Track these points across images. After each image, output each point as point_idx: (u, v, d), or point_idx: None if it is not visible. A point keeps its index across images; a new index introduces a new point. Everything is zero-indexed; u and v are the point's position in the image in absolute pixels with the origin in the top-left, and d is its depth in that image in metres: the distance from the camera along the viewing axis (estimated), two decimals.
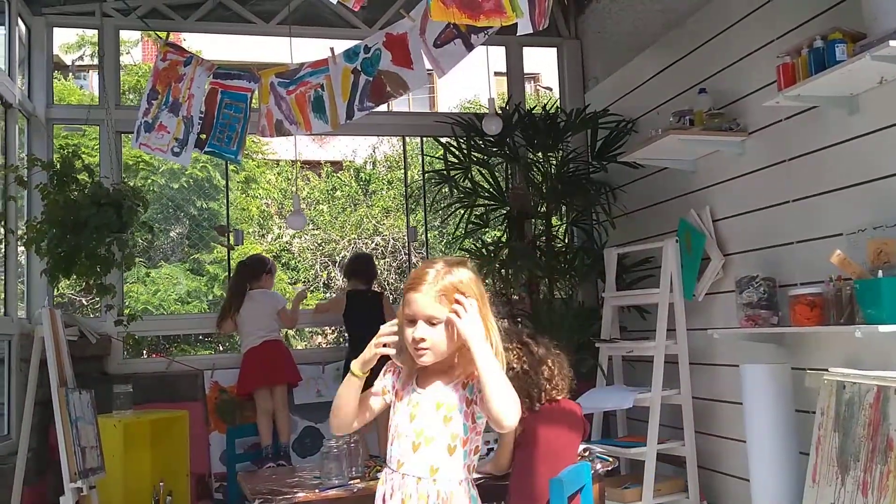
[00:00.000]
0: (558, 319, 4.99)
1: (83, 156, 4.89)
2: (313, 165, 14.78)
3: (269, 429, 4.95)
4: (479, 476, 3.24)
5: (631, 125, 5.25)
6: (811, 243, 3.69)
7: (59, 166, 4.53)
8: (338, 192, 13.72)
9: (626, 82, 5.37)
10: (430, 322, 1.99)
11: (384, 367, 2.18)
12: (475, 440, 2.07)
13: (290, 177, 13.85)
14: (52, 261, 4.41)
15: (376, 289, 5.48)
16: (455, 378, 2.07)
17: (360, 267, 5.41)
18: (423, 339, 1.99)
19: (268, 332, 5.03)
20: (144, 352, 9.06)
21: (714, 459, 4.43)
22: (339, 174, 14.41)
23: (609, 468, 3.48)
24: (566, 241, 5.67)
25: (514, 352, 3.12)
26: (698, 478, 4.35)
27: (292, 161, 13.75)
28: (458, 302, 1.97)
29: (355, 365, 2.10)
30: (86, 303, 9.26)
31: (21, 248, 4.83)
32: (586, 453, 3.43)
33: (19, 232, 4.65)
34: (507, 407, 1.92)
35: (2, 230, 4.68)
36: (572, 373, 3.23)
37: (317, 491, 3.17)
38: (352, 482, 3.27)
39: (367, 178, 13.97)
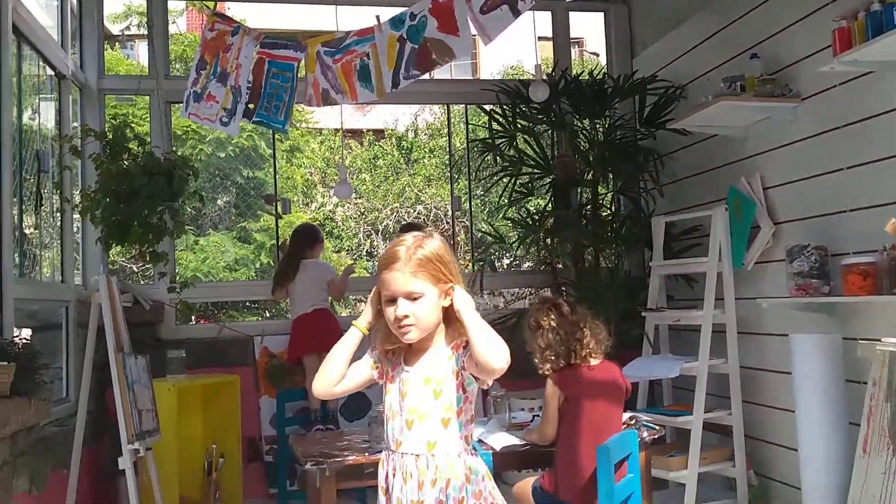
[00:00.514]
0: (604, 288, 4.98)
1: (133, 125, 4.99)
2: (355, 134, 14.83)
3: None
4: (524, 444, 3.29)
5: (680, 91, 5.16)
6: (864, 212, 3.62)
7: (111, 136, 4.62)
8: (380, 161, 13.76)
9: (675, 47, 5.28)
10: (411, 297, 2.02)
11: (370, 347, 2.20)
12: (468, 409, 2.10)
13: (332, 145, 13.92)
14: (107, 229, 4.51)
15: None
16: (440, 351, 2.10)
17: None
18: (406, 316, 2.02)
19: (318, 300, 5.11)
20: (193, 318, 9.25)
21: (761, 429, 4.41)
22: (380, 142, 14.43)
23: (655, 436, 3.48)
24: (613, 209, 5.63)
25: (544, 313, 3.15)
26: (745, 447, 4.34)
27: (335, 130, 13.83)
28: (440, 273, 2.03)
29: (360, 321, 2.15)
30: (136, 270, 9.47)
31: (76, 217, 4.96)
32: (632, 421, 3.44)
33: (75, 200, 4.77)
34: (493, 349, 1.93)
35: (57, 199, 4.80)
36: (611, 340, 3.24)
37: (366, 454, 3.23)
38: None
39: (409, 146, 13.98)
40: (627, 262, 5.64)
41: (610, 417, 3.11)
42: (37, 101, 4.90)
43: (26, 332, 4.44)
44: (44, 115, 4.94)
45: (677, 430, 4.65)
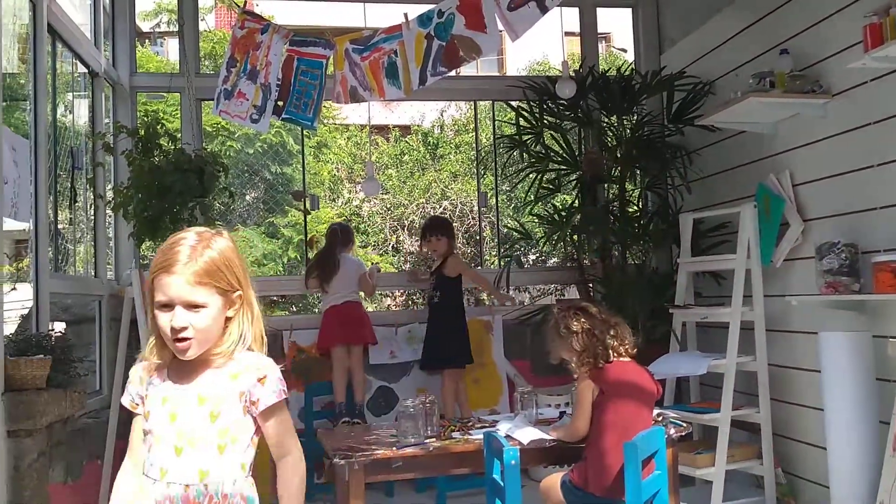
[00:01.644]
0: (631, 285, 4.97)
1: (164, 122, 5.06)
2: (382, 130, 14.88)
3: (343, 386, 5.09)
4: (551, 439, 3.30)
5: (708, 87, 5.14)
6: None
7: (143, 133, 4.69)
8: (406, 157, 13.79)
9: (703, 43, 5.25)
10: (192, 307, 1.76)
11: (128, 381, 1.93)
12: (250, 433, 1.86)
13: (359, 141, 13.98)
14: (139, 224, 4.58)
15: None
16: (220, 364, 1.85)
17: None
18: (184, 328, 1.76)
19: (348, 293, 5.16)
20: None
21: (789, 427, 4.39)
22: (406, 138, 14.47)
23: (682, 433, 3.48)
24: (640, 206, 5.62)
25: (572, 318, 3.18)
26: (773, 445, 4.32)
27: (362, 126, 13.90)
28: (228, 282, 1.80)
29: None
30: None
31: (109, 213, 5.04)
32: (659, 418, 3.45)
33: (107, 196, 4.85)
34: None
35: (91, 195, 4.89)
36: (638, 338, 3.28)
37: (394, 448, 3.26)
38: (427, 441, 3.35)
39: (435, 142, 14.00)
40: (655, 258, 5.62)
41: (639, 415, 3.12)
42: (70, 98, 4.99)
43: (60, 326, 4.53)
44: (77, 113, 5.03)
45: (704, 427, 4.64)
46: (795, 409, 4.34)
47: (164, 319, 1.77)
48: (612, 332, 3.16)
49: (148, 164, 4.61)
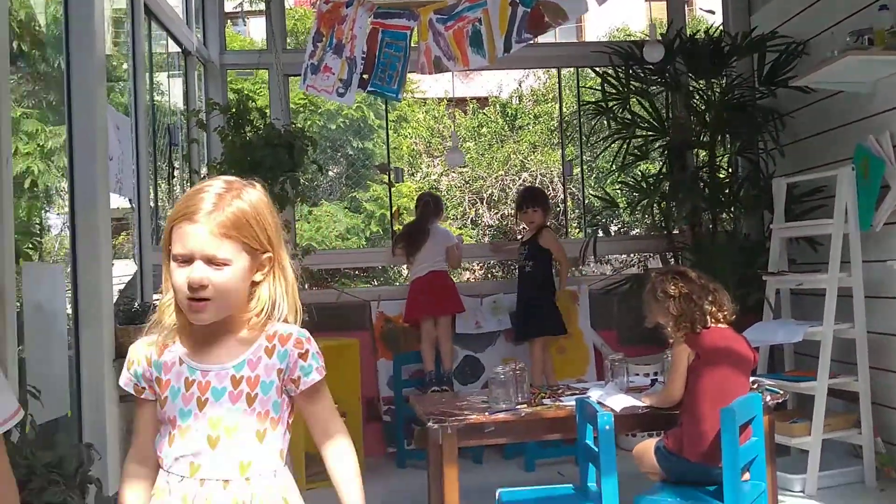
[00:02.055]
0: (722, 252, 4.87)
1: (253, 98, 5.19)
2: (459, 102, 14.86)
3: (432, 355, 5.17)
4: (643, 407, 3.30)
5: (802, 47, 4.96)
6: None
7: (234, 110, 4.82)
8: (483, 129, 13.74)
9: (796, 2, 5.06)
10: (213, 262, 1.52)
11: (127, 360, 1.66)
12: (286, 415, 1.64)
13: (437, 115, 14.00)
14: None
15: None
16: (248, 337, 1.62)
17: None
18: (203, 285, 1.51)
19: (434, 263, 5.22)
20: (306, 284, 9.56)
21: (889, 395, 4.25)
22: (484, 110, 14.41)
23: (779, 400, 3.43)
24: (730, 171, 5.48)
25: (670, 282, 3.15)
26: (872, 414, 4.20)
27: (440, 99, 13.91)
28: (258, 239, 1.56)
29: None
30: None
31: None
32: (755, 385, 3.39)
33: (202, 172, 5.01)
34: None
35: (187, 171, 5.06)
36: (735, 306, 3.22)
37: (486, 414, 3.31)
38: (519, 407, 3.38)
39: (514, 113, 13.90)
40: (745, 225, 5.49)
41: (736, 381, 3.08)
42: (165, 77, 5.16)
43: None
44: (171, 91, 5.20)
45: (799, 396, 4.53)
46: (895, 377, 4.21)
47: (180, 275, 1.52)
48: (710, 298, 3.12)
49: (239, 139, 4.73)
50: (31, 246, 5.04)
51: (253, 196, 1.58)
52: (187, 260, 1.52)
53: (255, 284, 1.59)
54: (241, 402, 1.57)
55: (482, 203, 13.08)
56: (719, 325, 3.13)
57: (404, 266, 9.12)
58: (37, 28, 5.05)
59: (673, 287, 3.14)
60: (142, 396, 1.64)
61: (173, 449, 1.57)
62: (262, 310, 1.59)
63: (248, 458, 1.56)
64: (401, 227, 6.24)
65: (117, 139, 3.76)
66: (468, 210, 13.17)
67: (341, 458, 1.68)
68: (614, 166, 5.43)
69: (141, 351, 1.64)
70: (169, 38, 4.93)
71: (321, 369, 1.64)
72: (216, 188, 1.56)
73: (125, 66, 4.42)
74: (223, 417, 1.56)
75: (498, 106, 14.30)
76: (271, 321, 1.60)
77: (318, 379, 1.63)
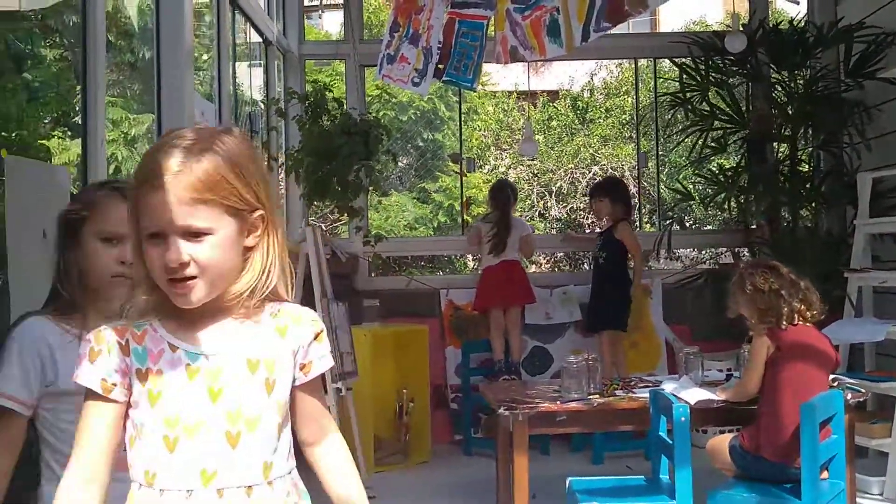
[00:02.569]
0: (802, 248, 4.76)
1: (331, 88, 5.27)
2: (529, 96, 14.79)
3: (501, 344, 5.19)
4: (718, 401, 3.25)
5: (891, 38, 4.79)
6: None
7: (312, 99, 4.90)
8: (553, 122, 13.66)
9: None
10: (190, 234, 1.23)
11: (85, 349, 1.30)
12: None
13: (506, 108, 13.98)
14: (309, 186, 4.81)
15: None
16: (252, 315, 1.33)
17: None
18: (185, 264, 1.23)
19: (507, 253, 5.22)
20: (372, 273, 9.68)
21: None
22: (554, 104, 14.32)
23: (860, 399, 3.34)
24: (812, 165, 5.34)
25: (760, 275, 3.09)
26: None
27: (509, 93, 13.88)
28: (240, 196, 1.27)
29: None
30: (324, 228, 10.00)
31: (281, 175, 5.32)
32: (835, 383, 3.31)
33: (280, 160, 5.12)
34: None
35: (266, 158, 5.17)
36: (823, 307, 3.15)
37: (558, 402, 3.31)
38: (591, 397, 3.37)
39: (585, 106, 13.78)
40: (827, 220, 5.34)
41: (816, 377, 3.02)
42: (246, 67, 5.28)
43: None
44: (251, 80, 5.33)
45: (879, 397, 4.39)
46: None
47: (155, 254, 1.24)
48: (800, 296, 3.06)
49: (317, 128, 4.82)
50: None
51: (228, 144, 1.27)
52: (160, 235, 1.23)
53: (248, 250, 1.30)
54: (261, 389, 1.30)
55: (551, 196, 13.01)
56: (808, 321, 3.07)
57: (470, 256, 9.15)
58: (124, 19, 5.23)
59: (763, 281, 3.09)
60: (109, 396, 1.27)
61: (175, 457, 1.25)
62: (256, 279, 1.30)
63: (270, 457, 1.30)
64: (469, 219, 6.25)
65: (202, 125, 3.88)
66: (536, 203, 13.13)
67: (341, 453, 1.43)
68: (688, 160, 5.34)
69: (110, 337, 1.28)
70: (250, 29, 5.05)
71: (330, 356, 1.41)
72: (183, 142, 1.25)
73: (205, 56, 4.54)
74: (242, 408, 1.27)
75: (569, 99, 14.20)
76: (261, 290, 1.31)
77: (330, 366, 1.40)
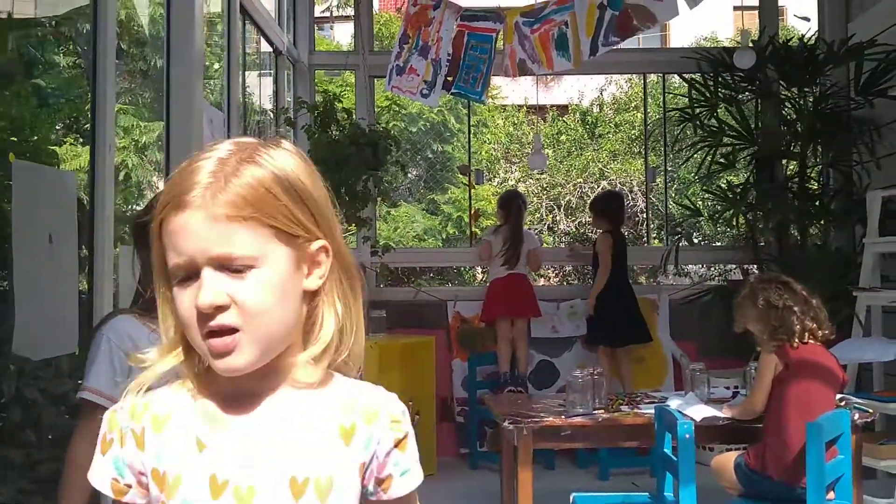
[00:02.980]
0: (810, 266, 4.73)
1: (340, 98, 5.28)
2: (539, 110, 14.82)
3: (507, 357, 5.17)
4: (724, 418, 3.22)
5: None
6: None
7: (322, 109, 4.92)
8: (563, 137, 13.69)
9: None
10: (228, 267, 0.91)
11: (100, 438, 1.00)
12: None
13: (516, 121, 14.02)
14: None
15: None
16: (313, 403, 0.98)
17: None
18: (223, 306, 0.90)
19: (515, 265, 5.21)
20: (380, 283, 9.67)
21: None
22: (564, 118, 14.35)
23: (867, 419, 3.30)
24: (820, 183, 5.32)
25: (774, 291, 3.06)
26: None
27: (519, 106, 13.91)
28: (294, 219, 0.94)
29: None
30: None
31: None
32: (843, 402, 3.28)
33: None
34: None
35: None
36: (832, 326, 3.12)
37: (563, 417, 3.28)
38: (596, 412, 3.35)
39: (594, 121, 13.81)
40: (836, 238, 5.32)
41: (824, 396, 2.99)
42: (256, 76, 5.31)
43: None
44: (261, 90, 5.35)
45: (888, 417, 4.36)
46: None
47: (186, 298, 0.91)
48: (812, 314, 3.02)
49: (326, 138, 4.84)
50: (125, 232, 5.26)
51: (277, 158, 0.95)
52: (189, 272, 0.91)
53: (312, 297, 0.98)
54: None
55: (559, 210, 13.02)
56: (815, 342, 3.04)
57: (479, 268, 9.13)
58: (136, 28, 5.26)
59: (777, 297, 3.04)
60: (123, 500, 0.98)
61: None
62: (329, 340, 0.97)
63: None
64: (478, 231, 6.23)
65: (211, 132, 3.89)
66: (545, 216, 13.12)
67: None
68: (697, 175, 5.33)
69: (124, 422, 0.98)
70: (261, 38, 5.07)
71: (419, 467, 1.04)
72: (215, 153, 0.95)
73: (216, 65, 4.56)
74: None
75: (578, 114, 14.23)
76: (328, 357, 0.98)
77: (416, 485, 1.03)
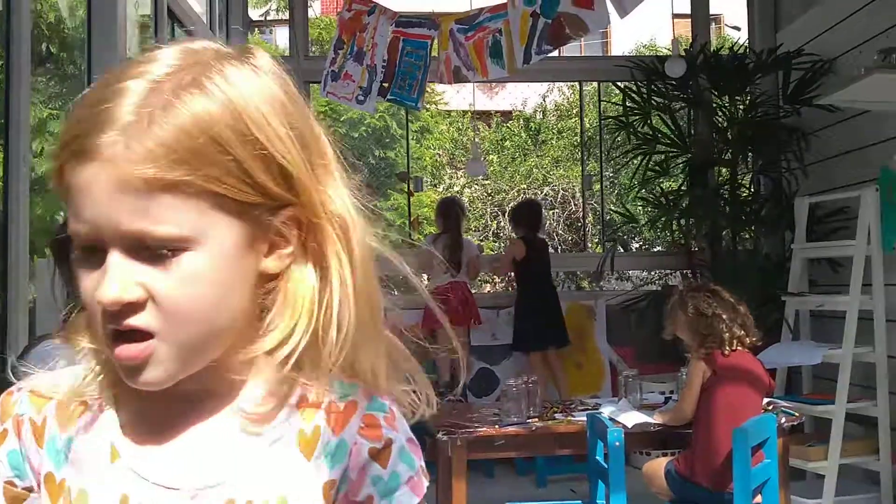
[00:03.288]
0: (742, 271, 4.82)
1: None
2: (483, 116, 14.88)
3: (447, 366, 5.14)
4: (655, 425, 3.25)
5: (828, 66, 4.90)
6: None
7: None
8: (507, 143, 13.77)
9: (823, 19, 5.00)
10: (148, 249, 0.63)
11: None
12: None
13: (460, 127, 14.05)
14: None
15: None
16: (263, 410, 0.69)
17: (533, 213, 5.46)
18: (133, 303, 0.63)
19: (457, 274, 5.18)
20: None
21: None
22: (508, 124, 14.44)
23: (794, 423, 3.36)
24: (751, 190, 5.42)
25: (703, 299, 3.09)
26: (890, 440, 4.11)
27: (464, 112, 13.95)
28: (228, 172, 0.64)
29: None
30: None
31: None
32: (770, 407, 3.33)
33: None
34: None
35: None
36: (758, 333, 3.17)
37: (496, 427, 3.27)
38: (530, 420, 3.34)
39: (537, 127, 13.92)
40: (766, 244, 5.42)
41: (750, 402, 3.03)
42: None
43: None
44: None
45: (816, 419, 4.45)
46: None
47: (88, 283, 0.65)
48: (739, 321, 3.06)
49: None
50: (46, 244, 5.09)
51: (237, 81, 0.66)
52: (93, 248, 0.65)
53: (270, 281, 0.70)
54: None
55: (504, 216, 13.09)
56: (745, 346, 3.08)
57: (425, 276, 9.09)
58: (65, 30, 5.11)
59: (706, 305, 3.08)
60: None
61: None
62: (298, 343, 0.69)
63: None
64: (421, 237, 6.19)
65: None
66: (490, 223, 13.17)
67: None
68: (635, 182, 5.39)
69: (24, 406, 0.73)
70: None
71: (418, 483, 0.74)
72: (152, 68, 0.65)
73: None
74: None
75: (522, 120, 14.32)
76: (318, 365, 0.70)
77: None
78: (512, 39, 4.41)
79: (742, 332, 3.07)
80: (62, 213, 4.98)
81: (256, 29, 14.71)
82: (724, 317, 3.06)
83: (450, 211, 5.34)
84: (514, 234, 5.38)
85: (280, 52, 11.60)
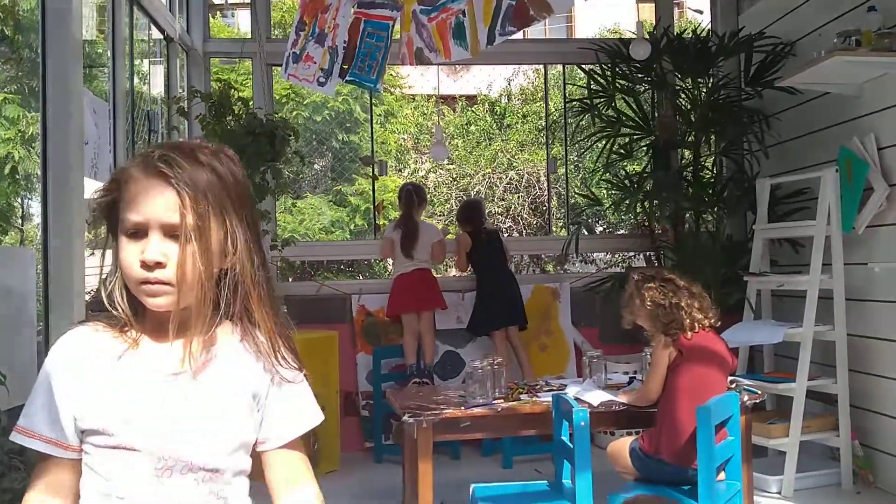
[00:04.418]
0: (704, 252, 4.86)
1: (236, 88, 5.12)
2: (448, 99, 14.81)
3: (414, 348, 5.13)
4: (620, 404, 3.28)
5: (789, 48, 4.95)
6: None
7: (216, 98, 4.76)
8: (472, 127, 13.72)
9: (784, 3, 5.05)
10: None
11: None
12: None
13: (425, 111, 13.97)
14: None
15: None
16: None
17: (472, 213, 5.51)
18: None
19: (421, 261, 5.16)
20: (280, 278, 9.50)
21: (868, 399, 4.25)
22: (473, 108, 14.38)
23: (756, 400, 3.41)
24: (714, 171, 5.47)
25: (658, 290, 3.12)
26: (850, 417, 4.19)
27: (428, 96, 13.87)
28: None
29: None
30: None
31: None
32: (733, 385, 3.38)
33: None
34: None
35: None
36: (716, 312, 3.20)
37: (462, 408, 3.27)
38: (495, 402, 3.35)
39: (502, 111, 13.89)
40: (728, 225, 5.48)
41: (714, 381, 3.07)
42: (146, 64, 5.09)
43: None
44: (153, 79, 5.13)
45: (778, 397, 4.53)
46: (875, 380, 4.20)
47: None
48: (696, 304, 3.10)
49: (220, 128, 4.68)
50: (5, 231, 4.97)
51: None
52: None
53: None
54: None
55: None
56: (705, 327, 3.11)
57: (390, 261, 9.08)
58: (21, 13, 4.97)
59: (662, 296, 3.10)
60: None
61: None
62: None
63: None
64: (386, 222, 6.16)
65: (94, 123, 3.70)
66: (455, 207, 13.14)
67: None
68: (599, 165, 5.40)
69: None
70: (152, 25, 4.86)
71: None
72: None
73: (110, 53, 4.35)
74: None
75: (487, 104, 14.28)
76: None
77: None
78: (475, 20, 4.37)
79: (701, 314, 3.11)
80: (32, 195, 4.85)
81: (218, 12, 14.46)
82: (682, 304, 3.10)
83: (400, 195, 5.34)
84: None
85: (242, 36, 11.44)
